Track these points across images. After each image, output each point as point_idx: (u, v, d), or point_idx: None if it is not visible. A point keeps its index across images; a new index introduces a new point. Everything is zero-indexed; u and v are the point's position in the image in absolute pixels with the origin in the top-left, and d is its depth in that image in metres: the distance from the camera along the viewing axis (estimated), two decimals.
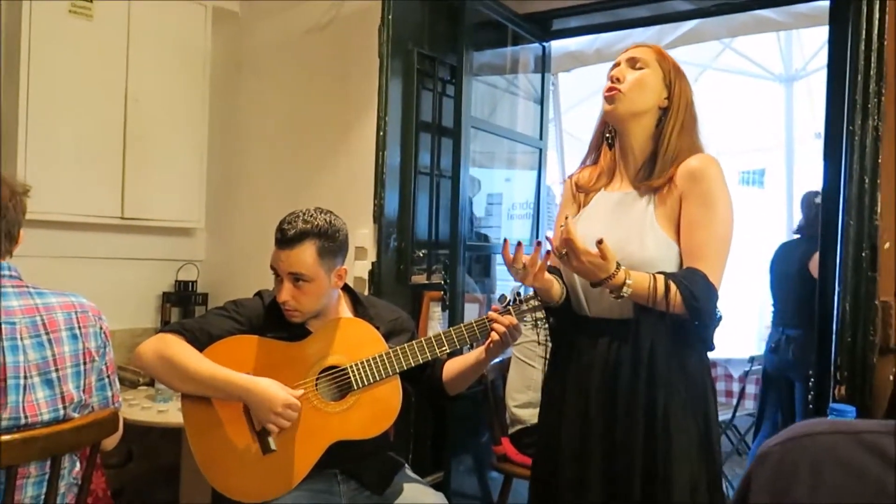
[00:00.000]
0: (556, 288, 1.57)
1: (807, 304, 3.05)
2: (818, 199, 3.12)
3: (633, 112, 1.53)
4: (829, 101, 1.94)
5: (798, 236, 3.21)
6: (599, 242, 1.37)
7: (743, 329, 3.34)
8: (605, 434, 1.49)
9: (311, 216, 1.71)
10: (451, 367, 1.82)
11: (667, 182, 1.51)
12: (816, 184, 3.31)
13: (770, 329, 3.35)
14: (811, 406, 2.06)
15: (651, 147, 1.55)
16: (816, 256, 3.01)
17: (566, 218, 1.43)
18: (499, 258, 3.36)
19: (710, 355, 1.55)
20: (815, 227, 3.11)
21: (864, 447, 0.58)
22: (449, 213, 2.56)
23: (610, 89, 1.54)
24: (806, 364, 3.08)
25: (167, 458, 2.77)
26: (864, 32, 1.70)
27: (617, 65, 1.57)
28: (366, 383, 1.70)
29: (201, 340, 1.72)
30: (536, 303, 1.68)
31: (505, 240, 1.53)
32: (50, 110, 2.45)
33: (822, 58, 4.39)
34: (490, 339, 1.67)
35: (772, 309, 3.29)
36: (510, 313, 1.66)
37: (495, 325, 1.65)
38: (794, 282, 3.13)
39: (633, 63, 1.55)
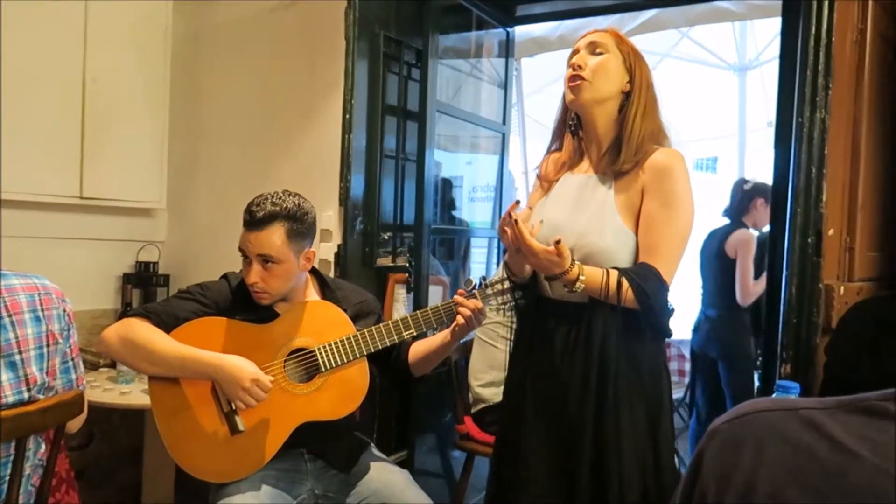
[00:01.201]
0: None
1: (724, 284, 3.21)
2: (747, 186, 3.28)
3: (598, 99, 1.55)
4: (780, 92, 2.02)
5: (727, 220, 3.34)
6: (557, 243, 1.40)
7: (694, 311, 3.47)
8: (560, 412, 1.54)
9: (280, 198, 1.72)
10: (417, 350, 1.86)
11: (632, 167, 1.53)
12: (766, 170, 3.46)
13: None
14: (758, 383, 2.17)
15: (615, 131, 1.57)
16: (732, 238, 3.19)
17: (514, 222, 1.42)
18: (465, 241, 3.41)
19: None
20: (738, 211, 3.27)
21: (801, 422, 0.65)
22: (414, 196, 2.58)
23: (573, 77, 1.54)
24: (723, 342, 3.25)
25: (129, 440, 2.76)
26: (813, 28, 1.78)
27: (576, 51, 1.58)
28: (333, 365, 1.73)
29: (167, 323, 1.71)
30: (501, 287, 1.73)
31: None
32: (6, 89, 2.38)
33: (775, 49, 4.52)
34: (455, 323, 1.71)
35: (700, 291, 3.43)
36: (476, 297, 1.71)
37: (461, 309, 1.69)
38: (714, 263, 3.27)
39: (592, 48, 1.56)
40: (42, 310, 1.42)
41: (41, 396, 1.41)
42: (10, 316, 1.36)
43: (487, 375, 2.56)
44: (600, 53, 1.55)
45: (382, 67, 2.56)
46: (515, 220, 1.42)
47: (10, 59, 2.39)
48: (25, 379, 1.37)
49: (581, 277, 1.43)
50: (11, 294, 1.38)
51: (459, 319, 1.69)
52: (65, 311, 1.48)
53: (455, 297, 1.71)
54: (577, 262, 1.44)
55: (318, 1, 2.64)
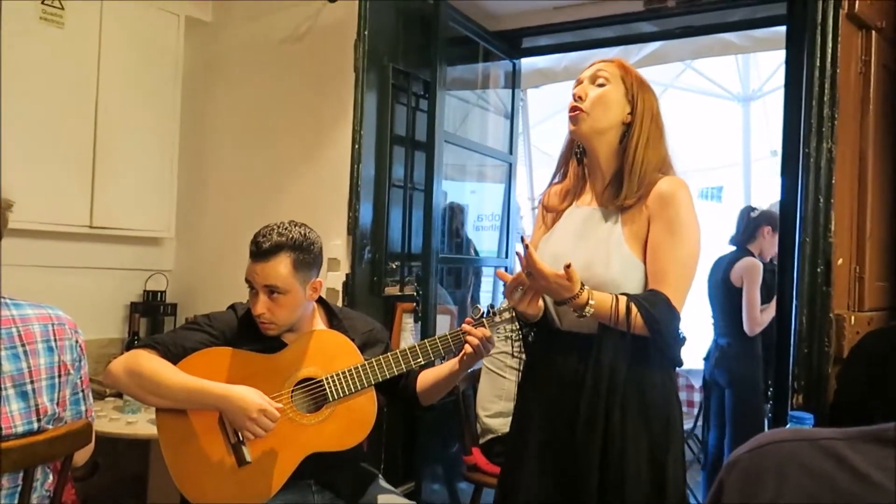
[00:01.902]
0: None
1: (731, 313, 3.19)
2: (753, 214, 3.28)
3: (596, 129, 1.55)
4: (785, 122, 2.04)
5: (733, 248, 3.34)
6: (567, 267, 1.40)
7: (702, 340, 3.45)
8: (567, 442, 1.52)
9: (286, 229, 1.73)
10: (425, 378, 1.85)
11: (636, 202, 1.54)
12: (771, 198, 3.46)
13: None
14: (769, 414, 2.15)
15: (617, 163, 1.57)
16: (737, 266, 3.18)
17: (525, 246, 1.43)
18: (472, 270, 3.41)
19: None
20: (744, 239, 3.27)
21: (822, 452, 0.65)
22: (422, 225, 2.60)
23: (573, 108, 1.56)
24: (731, 372, 3.22)
25: (134, 470, 2.74)
26: (818, 60, 1.79)
27: (579, 82, 1.59)
28: (341, 395, 1.71)
29: (175, 353, 1.71)
30: (510, 315, 1.72)
31: (497, 269, 1.54)
32: (19, 117, 2.42)
33: (778, 79, 4.57)
34: (464, 352, 1.70)
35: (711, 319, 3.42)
36: (484, 325, 1.70)
37: (469, 338, 1.68)
38: (720, 292, 3.25)
39: (594, 80, 1.57)
40: (55, 340, 1.42)
41: (50, 427, 1.41)
42: (23, 345, 1.37)
43: (496, 406, 2.54)
44: (602, 85, 1.56)
45: (391, 98, 2.60)
46: (527, 245, 1.43)
47: (24, 88, 2.43)
48: (36, 409, 1.37)
49: (591, 302, 1.42)
50: (26, 324, 1.39)
51: (467, 348, 1.68)
52: (77, 342, 1.48)
53: (463, 325, 1.71)
54: (586, 288, 1.44)
55: (327, 33, 2.69)
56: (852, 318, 1.79)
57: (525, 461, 1.57)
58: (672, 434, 1.53)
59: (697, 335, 3.41)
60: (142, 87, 2.80)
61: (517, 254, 1.51)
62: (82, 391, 1.50)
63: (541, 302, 1.52)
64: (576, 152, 1.66)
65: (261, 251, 1.69)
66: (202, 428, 1.68)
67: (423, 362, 1.75)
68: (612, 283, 1.50)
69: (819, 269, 1.77)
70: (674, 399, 1.57)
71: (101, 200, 2.65)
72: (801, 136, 1.82)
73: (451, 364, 1.79)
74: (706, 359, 3.39)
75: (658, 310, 1.44)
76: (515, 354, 1.72)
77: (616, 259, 1.52)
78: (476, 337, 1.67)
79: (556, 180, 1.72)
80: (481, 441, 2.56)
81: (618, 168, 1.57)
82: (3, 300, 1.40)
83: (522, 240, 1.48)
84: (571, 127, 1.58)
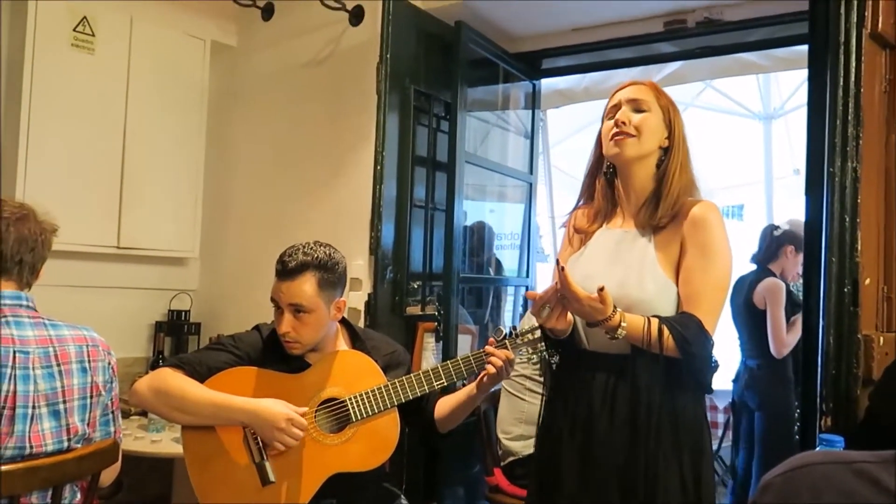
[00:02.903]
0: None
1: (756, 335, 3.14)
2: (777, 233, 3.23)
3: (640, 155, 1.57)
4: (809, 141, 2.02)
5: (754, 266, 3.29)
6: (601, 290, 1.41)
7: (726, 360, 3.40)
8: (602, 468, 1.51)
9: (311, 249, 1.75)
10: (443, 406, 1.85)
11: (669, 222, 1.55)
12: (791, 215, 3.42)
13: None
14: (797, 437, 2.11)
15: (652, 186, 1.59)
16: (760, 287, 3.13)
17: (561, 268, 1.44)
18: (494, 290, 3.41)
19: None
20: (766, 258, 3.22)
21: (856, 475, 0.65)
22: (443, 245, 2.61)
23: (618, 133, 1.56)
24: (761, 394, 3.17)
25: (158, 489, 2.75)
26: (841, 80, 1.78)
27: (617, 106, 1.60)
28: (364, 415, 1.72)
29: (200, 373, 1.73)
30: (532, 337, 1.72)
31: (528, 291, 1.55)
32: (49, 141, 2.49)
33: (799, 97, 4.54)
34: (485, 372, 1.70)
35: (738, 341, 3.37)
36: (506, 347, 1.70)
37: (492, 359, 1.68)
38: (745, 314, 3.20)
39: (634, 105, 1.58)
40: (89, 361, 1.45)
41: (79, 446, 1.43)
42: (59, 365, 1.40)
43: (516, 429, 2.52)
44: (643, 111, 1.58)
45: (412, 120, 2.63)
46: (562, 267, 1.43)
47: (55, 113, 2.50)
48: (67, 428, 1.40)
49: (623, 324, 1.43)
50: (62, 344, 1.42)
51: (490, 369, 1.69)
52: (110, 363, 1.51)
53: (486, 346, 1.71)
54: (618, 310, 1.44)
55: (350, 56, 2.73)
56: (881, 338, 1.76)
57: (557, 480, 1.56)
58: (703, 458, 1.52)
59: (723, 357, 3.36)
60: (168, 110, 2.86)
61: (560, 271, 1.49)
62: (112, 412, 1.53)
63: (570, 316, 1.52)
64: (606, 172, 1.66)
65: (286, 270, 1.71)
66: (227, 447, 1.69)
67: (445, 383, 1.76)
68: (645, 304, 1.50)
69: (846, 290, 1.75)
70: (704, 423, 1.56)
71: (128, 221, 2.70)
72: (826, 155, 1.81)
73: (468, 389, 1.79)
74: (735, 381, 3.34)
75: (690, 332, 1.44)
76: (537, 377, 1.71)
77: (650, 280, 1.53)
78: (499, 358, 1.67)
79: (583, 201, 1.73)
80: (503, 463, 2.54)
81: (652, 191, 1.59)
82: (42, 320, 1.43)
83: (558, 262, 1.49)
84: (614, 150, 1.58)
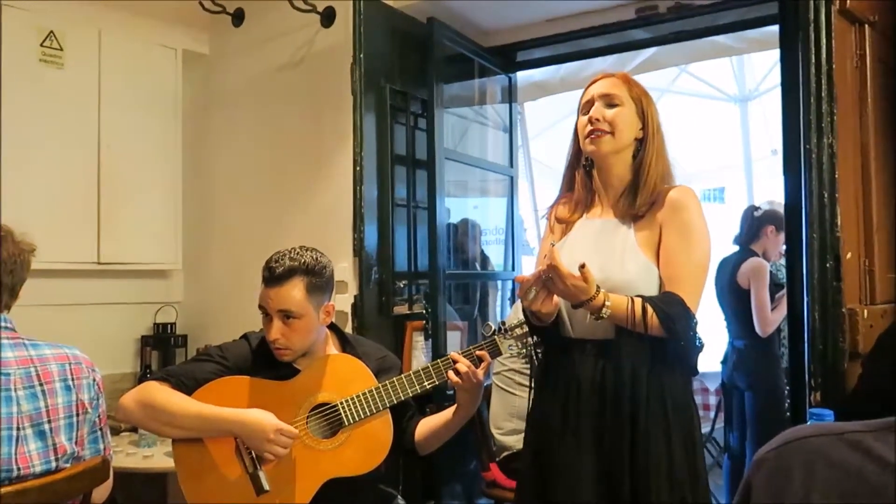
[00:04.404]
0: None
1: (742, 315, 3.17)
2: (757, 213, 3.26)
3: (616, 149, 1.60)
4: (785, 120, 2.04)
5: (737, 248, 3.32)
6: (582, 267, 1.42)
7: (713, 343, 3.42)
8: (595, 451, 1.52)
9: (298, 254, 1.73)
10: (424, 428, 1.84)
11: (648, 210, 1.58)
12: (774, 197, 3.45)
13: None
14: (788, 413, 2.13)
15: (630, 177, 1.62)
16: (744, 268, 3.16)
17: (551, 245, 1.47)
18: (480, 285, 3.41)
19: None
20: (748, 238, 3.25)
21: (848, 445, 0.65)
22: (427, 243, 2.60)
23: (591, 131, 1.59)
24: (750, 374, 3.20)
25: (151, 503, 2.73)
26: (813, 57, 1.80)
27: (590, 102, 1.62)
28: (357, 419, 1.71)
29: (187, 385, 1.71)
30: (521, 331, 1.73)
31: (517, 276, 1.57)
32: (23, 158, 2.45)
33: (774, 78, 4.58)
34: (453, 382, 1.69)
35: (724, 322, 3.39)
36: (496, 343, 1.71)
37: (457, 366, 1.69)
38: (729, 295, 3.23)
39: (607, 100, 1.60)
40: (72, 379, 1.43)
41: (68, 465, 1.41)
42: (41, 385, 1.38)
43: (509, 423, 2.52)
44: (615, 105, 1.60)
45: (390, 119, 2.62)
46: (552, 244, 1.47)
47: (27, 129, 2.46)
48: (54, 448, 1.38)
49: (607, 304, 1.45)
50: (44, 363, 1.41)
51: (451, 375, 1.68)
52: (94, 380, 1.49)
53: (451, 353, 1.72)
54: (602, 290, 1.46)
55: (323, 58, 2.71)
56: (865, 311, 1.78)
57: (551, 470, 1.57)
58: (695, 436, 1.54)
59: (711, 338, 3.38)
60: (143, 122, 2.83)
61: (550, 247, 1.51)
62: (100, 429, 1.51)
63: (556, 299, 1.52)
64: (584, 165, 1.69)
65: (274, 276, 1.70)
66: (219, 458, 1.67)
67: (436, 383, 1.75)
68: (628, 285, 1.52)
69: (828, 265, 1.77)
70: (692, 403, 1.59)
71: (107, 236, 2.67)
72: (801, 133, 1.83)
73: (446, 414, 1.80)
74: (723, 362, 3.37)
75: (674, 310, 1.47)
76: (526, 371, 1.72)
77: (631, 262, 1.55)
78: (464, 364, 1.68)
79: (563, 199, 1.75)
80: (498, 458, 2.54)
81: (630, 181, 1.62)
82: (22, 340, 1.41)
83: (552, 244, 1.51)
84: (591, 147, 1.61)
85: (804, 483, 0.65)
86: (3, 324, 1.40)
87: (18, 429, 1.32)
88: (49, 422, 1.37)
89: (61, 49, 2.57)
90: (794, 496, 0.65)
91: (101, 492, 1.53)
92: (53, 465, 1.37)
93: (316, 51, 2.76)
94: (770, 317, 3.11)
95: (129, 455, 2.32)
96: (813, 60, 1.81)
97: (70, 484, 1.38)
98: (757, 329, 3.12)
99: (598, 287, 1.45)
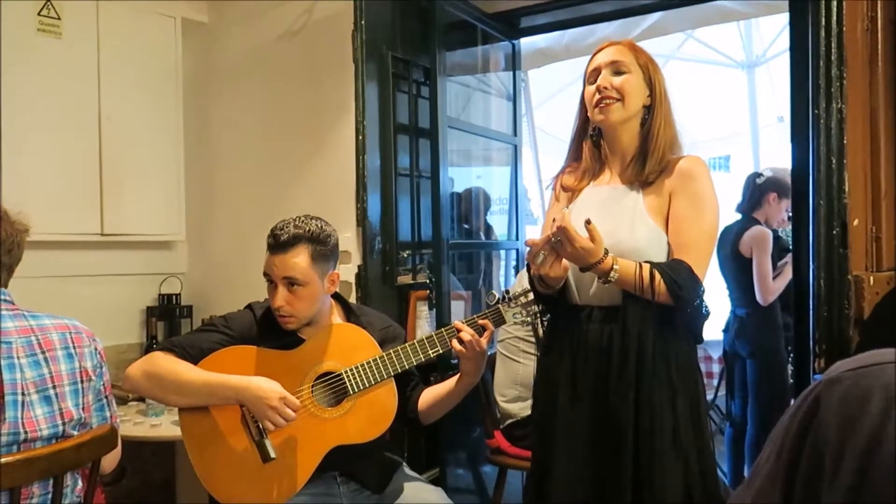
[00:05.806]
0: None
1: (743, 284, 3.16)
2: (759, 180, 3.23)
3: (625, 118, 1.60)
4: (793, 85, 2.01)
5: (739, 216, 3.29)
6: (587, 223, 1.43)
7: (718, 311, 3.42)
8: (596, 417, 1.53)
9: (303, 222, 1.73)
10: (427, 397, 1.86)
11: (657, 178, 1.58)
12: (780, 165, 3.41)
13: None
14: (791, 381, 2.13)
15: (638, 143, 1.62)
16: (746, 236, 3.14)
17: (564, 209, 1.47)
18: (485, 255, 3.40)
19: None
20: (750, 206, 3.22)
21: None
22: (430, 212, 2.59)
23: (601, 99, 1.58)
24: (752, 342, 3.20)
25: (161, 473, 2.77)
26: (823, 20, 1.77)
27: (597, 70, 1.61)
28: (361, 387, 1.72)
29: (192, 355, 1.72)
30: (525, 299, 1.73)
31: (528, 239, 1.57)
32: (23, 130, 2.43)
33: (781, 44, 4.50)
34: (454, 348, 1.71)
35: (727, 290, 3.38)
36: (500, 311, 1.72)
37: (461, 334, 1.71)
38: (732, 263, 3.21)
39: (614, 67, 1.59)
40: (74, 347, 1.44)
41: (75, 432, 1.42)
42: (43, 353, 1.39)
43: (513, 391, 2.53)
44: (623, 73, 1.59)
45: (392, 87, 2.58)
46: (565, 207, 1.49)
47: (27, 100, 2.44)
48: (60, 413, 1.39)
49: (615, 267, 1.45)
50: (44, 332, 1.41)
51: (455, 344, 1.70)
52: (96, 349, 1.50)
53: (455, 322, 1.73)
54: (610, 254, 1.46)
55: (323, 26, 2.67)
56: (871, 278, 1.77)
57: (557, 438, 1.58)
58: (698, 402, 1.55)
59: (713, 307, 3.37)
60: (143, 91, 2.80)
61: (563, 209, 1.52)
62: (105, 397, 1.52)
63: (565, 263, 1.52)
64: (591, 134, 1.68)
65: (279, 243, 1.70)
66: (226, 427, 1.69)
67: (440, 351, 1.76)
68: (637, 251, 1.53)
69: (835, 231, 1.75)
70: (697, 370, 1.60)
71: (110, 207, 2.66)
72: (810, 97, 1.80)
73: (449, 383, 1.81)
74: (725, 330, 3.37)
75: (681, 277, 1.47)
76: (531, 339, 1.73)
77: (641, 228, 1.55)
78: (467, 333, 1.70)
79: (569, 168, 1.74)
80: (502, 426, 2.56)
81: (638, 148, 1.61)
82: (21, 311, 1.42)
83: (565, 209, 1.52)
84: (600, 117, 1.60)
85: (882, 411, 0.60)
86: (2, 297, 1.41)
87: (24, 394, 1.34)
88: (54, 387, 1.38)
89: (59, 18, 2.53)
90: (870, 422, 0.60)
91: (110, 460, 1.55)
92: (61, 429, 1.38)
93: (316, 18, 2.71)
94: (772, 285, 3.10)
95: (137, 424, 2.34)
96: (823, 24, 1.77)
97: (78, 452, 1.39)
98: (758, 297, 3.12)
99: (606, 251, 1.45)
